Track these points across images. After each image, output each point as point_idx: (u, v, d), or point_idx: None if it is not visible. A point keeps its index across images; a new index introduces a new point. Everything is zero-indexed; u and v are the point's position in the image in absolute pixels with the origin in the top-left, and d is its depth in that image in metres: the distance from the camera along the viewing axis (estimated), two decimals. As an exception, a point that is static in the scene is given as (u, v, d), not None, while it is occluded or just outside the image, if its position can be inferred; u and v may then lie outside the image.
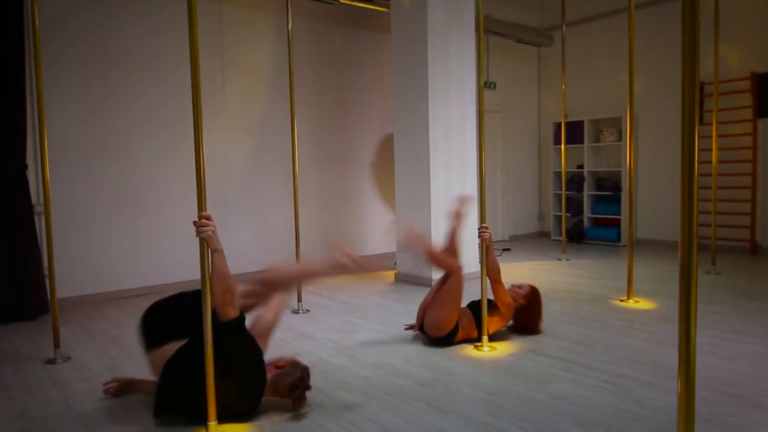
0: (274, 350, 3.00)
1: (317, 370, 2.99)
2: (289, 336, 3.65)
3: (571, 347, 3.29)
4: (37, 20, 3.20)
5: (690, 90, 1.19)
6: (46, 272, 4.19)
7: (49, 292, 3.34)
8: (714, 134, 5.46)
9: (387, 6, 5.75)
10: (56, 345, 3.27)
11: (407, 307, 4.38)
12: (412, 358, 3.19)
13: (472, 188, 5.49)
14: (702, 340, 3.30)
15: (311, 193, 6.19)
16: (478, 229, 3.37)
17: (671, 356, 3.07)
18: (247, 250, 5.63)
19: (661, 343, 3.32)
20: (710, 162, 5.59)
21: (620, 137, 7.52)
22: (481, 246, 3.36)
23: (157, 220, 5.15)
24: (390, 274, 5.75)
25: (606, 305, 4.27)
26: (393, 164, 5.64)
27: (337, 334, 3.71)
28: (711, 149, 5.52)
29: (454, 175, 5.34)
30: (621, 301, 4.35)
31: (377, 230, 6.87)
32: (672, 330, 3.56)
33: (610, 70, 7.74)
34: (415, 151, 5.29)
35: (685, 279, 1.18)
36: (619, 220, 7.52)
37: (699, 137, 1.23)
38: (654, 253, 6.68)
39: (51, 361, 3.24)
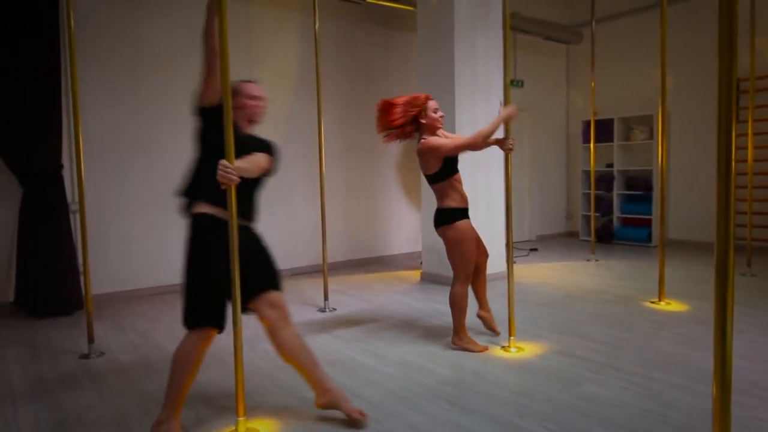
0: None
1: (343, 367, 3.02)
2: (315, 334, 3.68)
3: (599, 348, 3.24)
4: (72, 20, 3.27)
5: (727, 86, 1.16)
6: (81, 269, 4.31)
7: (84, 288, 3.43)
8: (750, 132, 5.30)
9: (413, 5, 5.74)
10: (90, 340, 3.36)
11: (431, 306, 4.37)
12: (437, 357, 3.19)
13: (498, 187, 5.43)
14: (736, 342, 3.19)
15: (336, 190, 6.22)
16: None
17: (704, 359, 3.00)
18: (273, 247, 5.65)
19: (693, 346, 3.24)
20: (746, 161, 5.43)
21: (651, 135, 7.36)
22: (506, 158, 3.36)
23: (186, 218, 5.23)
24: (415, 274, 5.75)
25: (636, 306, 4.19)
26: (418, 163, 5.61)
27: (363, 332, 3.73)
28: (747, 147, 5.37)
29: (479, 173, 5.30)
30: (652, 302, 4.27)
31: (402, 229, 6.87)
32: (704, 332, 3.48)
33: (640, 67, 7.58)
34: (441, 150, 5.25)
35: (721, 281, 1.15)
36: (649, 220, 7.36)
37: (735, 135, 1.19)
38: (686, 254, 6.53)
39: (85, 356, 3.33)
